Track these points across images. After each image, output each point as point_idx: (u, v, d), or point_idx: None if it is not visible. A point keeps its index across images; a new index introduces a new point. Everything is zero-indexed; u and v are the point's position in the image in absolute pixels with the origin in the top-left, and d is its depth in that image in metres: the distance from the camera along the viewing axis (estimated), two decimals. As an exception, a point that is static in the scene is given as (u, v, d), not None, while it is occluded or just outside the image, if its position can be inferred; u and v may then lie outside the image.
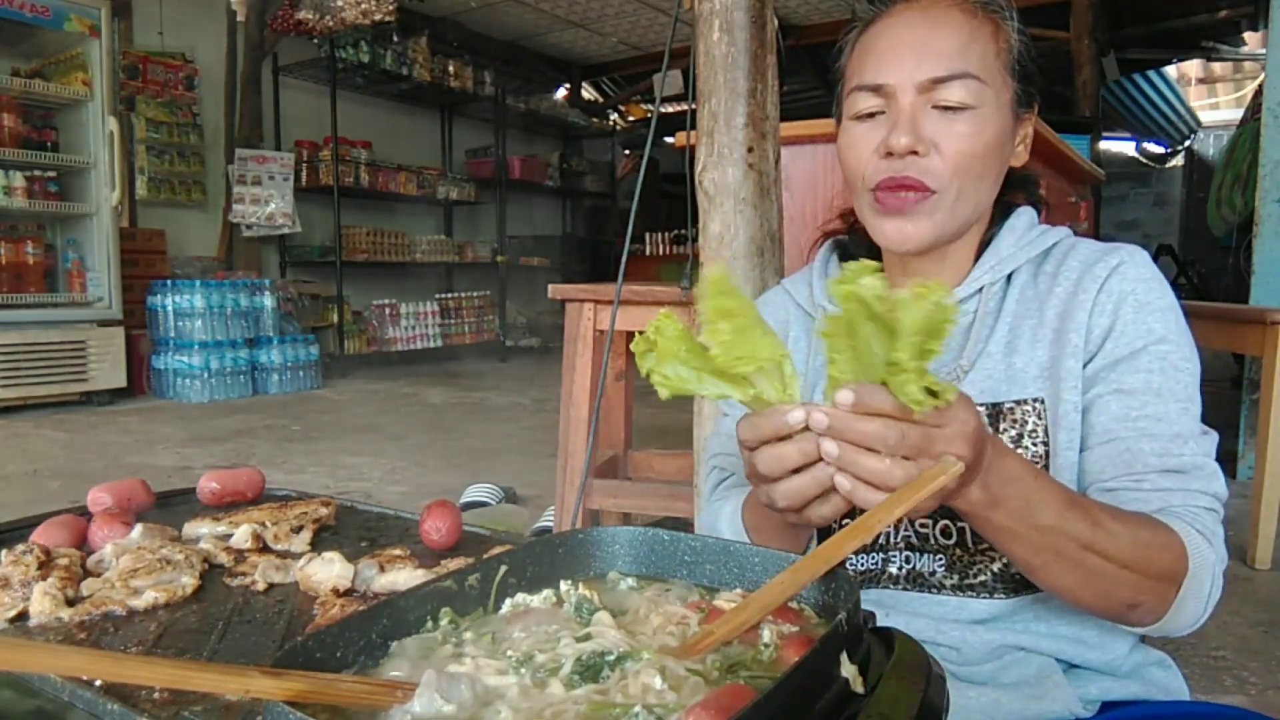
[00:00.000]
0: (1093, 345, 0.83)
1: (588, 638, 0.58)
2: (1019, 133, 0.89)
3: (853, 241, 1.01)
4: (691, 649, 0.57)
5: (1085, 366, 0.83)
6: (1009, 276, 0.90)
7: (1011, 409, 0.84)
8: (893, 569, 0.88)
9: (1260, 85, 3.93)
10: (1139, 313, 0.82)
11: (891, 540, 0.88)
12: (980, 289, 0.89)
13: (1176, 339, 0.81)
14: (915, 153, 0.81)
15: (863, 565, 0.89)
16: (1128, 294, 0.82)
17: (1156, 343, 0.81)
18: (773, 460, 0.64)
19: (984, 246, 0.92)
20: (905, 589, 0.87)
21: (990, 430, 0.69)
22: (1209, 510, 0.78)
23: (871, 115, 0.85)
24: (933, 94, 0.82)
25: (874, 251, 0.98)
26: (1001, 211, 0.93)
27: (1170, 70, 9.61)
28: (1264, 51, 4.29)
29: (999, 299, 0.89)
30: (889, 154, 0.82)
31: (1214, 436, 0.81)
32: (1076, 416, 0.82)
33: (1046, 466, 0.82)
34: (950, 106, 0.82)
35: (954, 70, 0.81)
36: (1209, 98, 10.98)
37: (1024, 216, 0.92)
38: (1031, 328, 0.86)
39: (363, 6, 6.37)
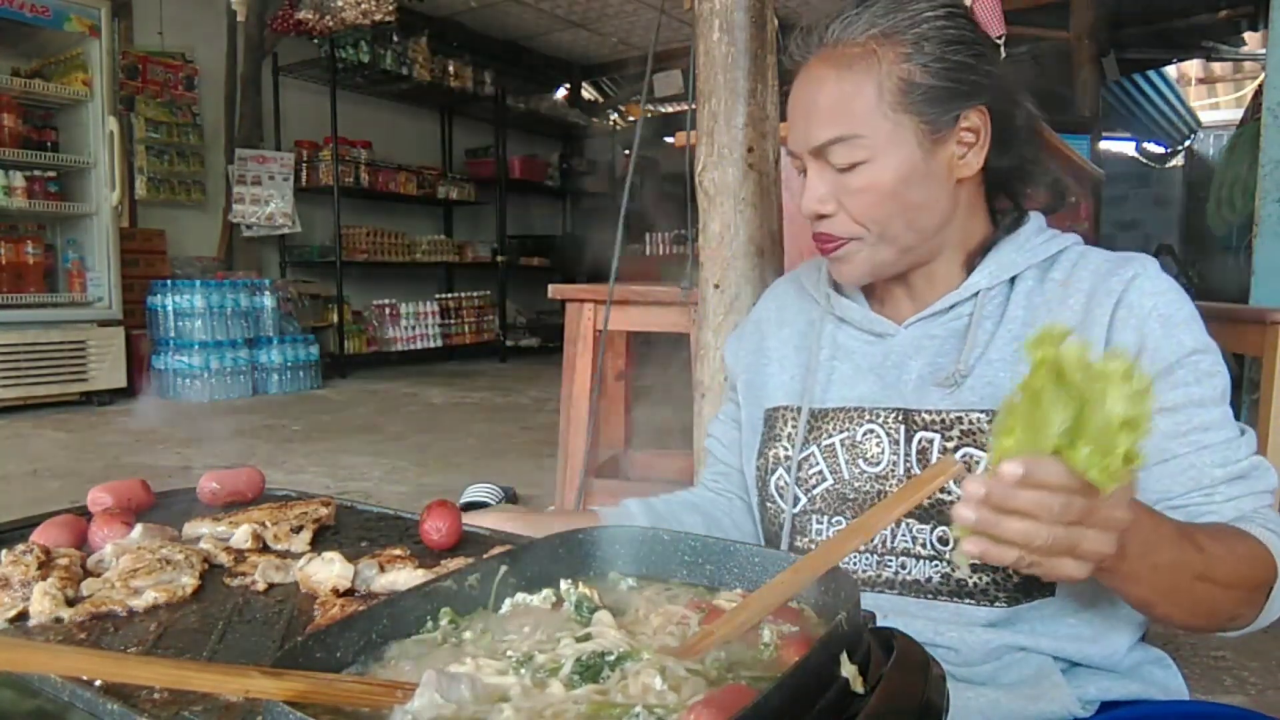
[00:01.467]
0: None
1: (588, 638, 0.58)
2: (947, 150, 0.86)
3: None
4: (691, 649, 0.57)
5: None
6: (1012, 281, 0.89)
7: None
8: (888, 574, 0.87)
9: (1260, 85, 3.92)
10: (1166, 328, 0.82)
11: (886, 545, 0.87)
12: (976, 293, 0.89)
13: (1205, 348, 0.82)
14: (821, 214, 0.87)
15: (857, 569, 0.89)
16: (1150, 310, 0.82)
17: (1188, 355, 0.81)
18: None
19: (982, 252, 0.91)
20: (901, 595, 0.87)
21: None
22: (1271, 507, 0.80)
23: (804, 171, 0.90)
24: (823, 157, 0.86)
25: None
26: (1014, 218, 0.92)
27: (1170, 70, 9.61)
28: (1264, 51, 4.29)
29: (1000, 304, 0.88)
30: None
31: (1252, 433, 0.83)
32: None
33: None
34: (842, 167, 0.85)
35: (829, 136, 0.85)
36: (1209, 98, 10.98)
37: (1031, 222, 0.92)
38: None
39: (363, 6, 6.36)
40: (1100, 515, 0.59)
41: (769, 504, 0.97)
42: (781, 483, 0.95)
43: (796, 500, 0.93)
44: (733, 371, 1.08)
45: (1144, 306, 0.82)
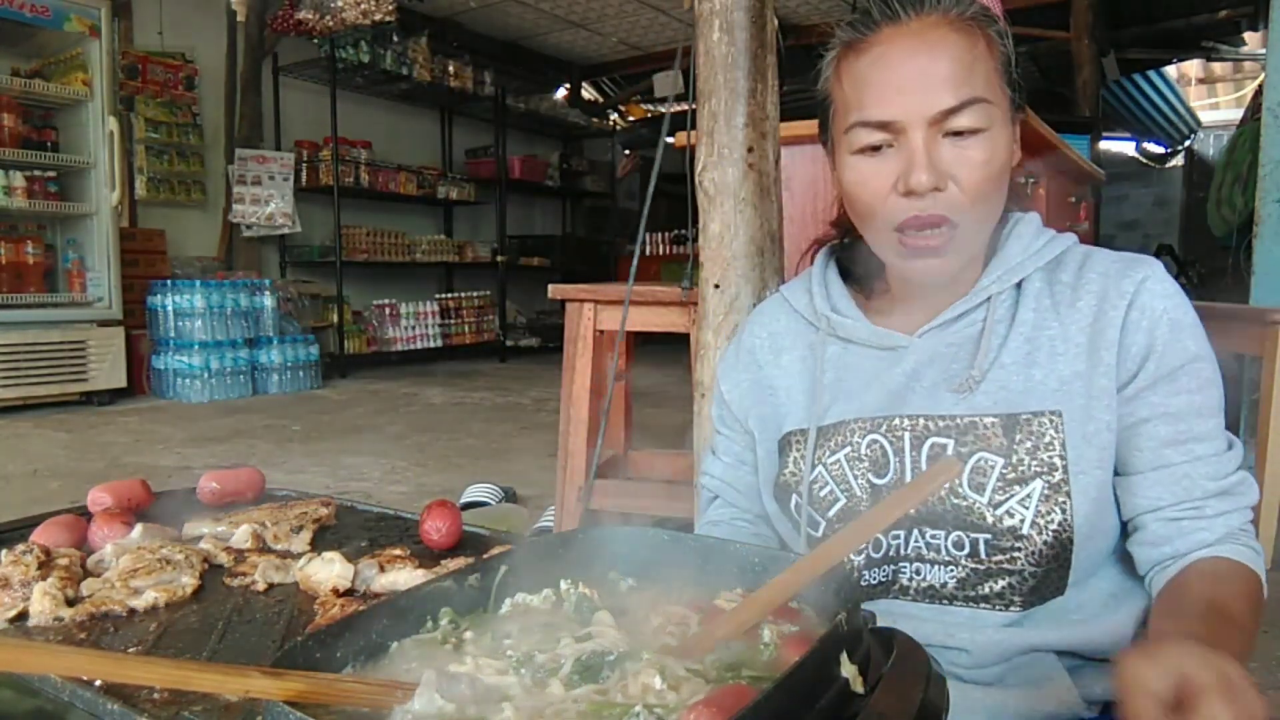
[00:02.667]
0: (1130, 364, 0.82)
1: (588, 637, 0.58)
2: (1014, 136, 0.88)
3: (848, 252, 1.00)
4: (692, 649, 0.57)
5: (1124, 388, 0.83)
6: (1019, 285, 0.88)
7: (1028, 420, 0.82)
8: (903, 580, 0.87)
9: (1260, 85, 3.93)
10: (1174, 332, 0.82)
11: (902, 552, 0.87)
12: (988, 299, 0.88)
13: (1206, 355, 0.83)
14: (936, 188, 0.80)
15: (874, 578, 0.88)
16: (1161, 313, 0.82)
17: (1192, 361, 0.82)
18: None
19: (988, 255, 0.91)
20: (915, 600, 0.86)
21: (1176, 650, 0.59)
22: (1252, 528, 0.82)
23: (877, 149, 0.83)
24: (944, 124, 0.80)
25: (870, 264, 0.97)
26: (999, 220, 0.92)
27: (1170, 70, 9.61)
28: (1264, 51, 4.29)
29: (1010, 307, 0.88)
30: (909, 192, 0.81)
31: (1240, 445, 0.83)
32: (1109, 436, 0.82)
33: (1064, 480, 0.81)
34: (961, 133, 0.80)
35: (963, 98, 0.79)
36: (1209, 98, 10.99)
37: (1030, 224, 0.91)
38: (1051, 339, 0.85)
39: (363, 6, 6.36)
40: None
41: (793, 530, 0.96)
42: (797, 509, 0.93)
43: (815, 524, 0.91)
44: (740, 407, 1.02)
45: (1155, 309, 0.82)
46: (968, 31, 0.82)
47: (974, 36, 0.82)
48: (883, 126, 0.82)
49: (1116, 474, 0.84)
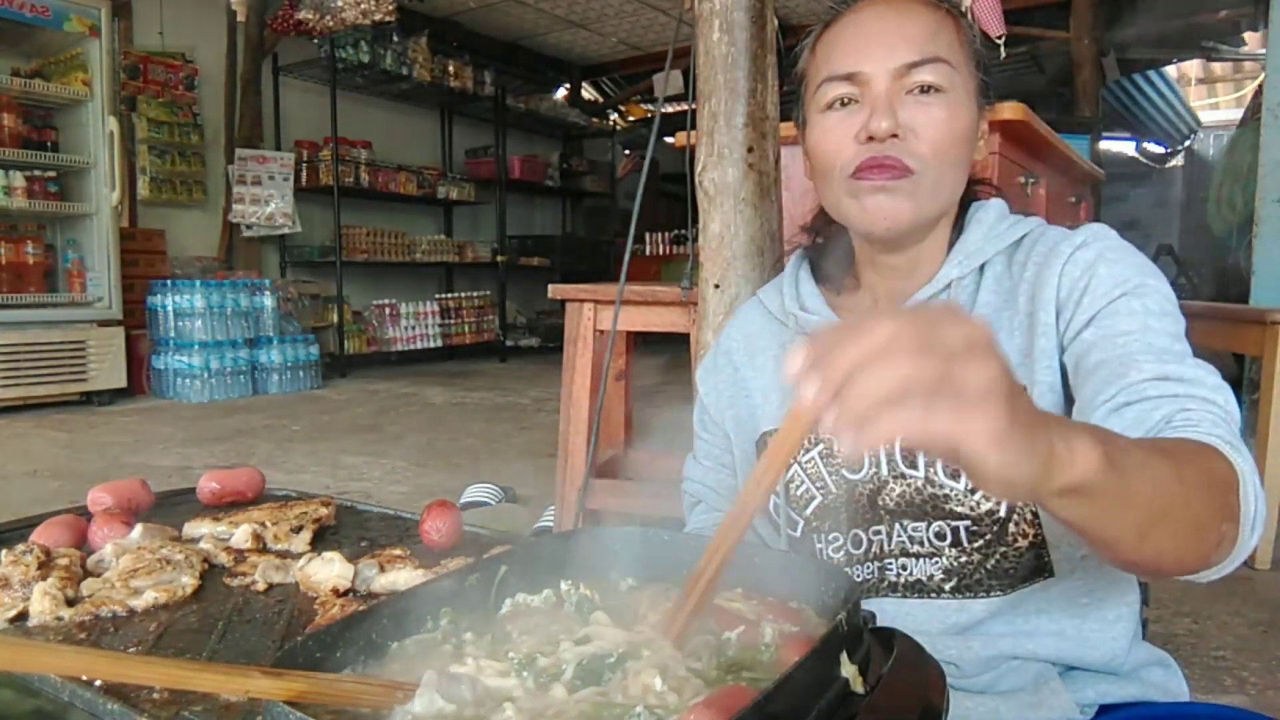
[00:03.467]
0: (1067, 311, 0.80)
1: (586, 639, 0.58)
2: (980, 126, 0.90)
3: (819, 253, 1.01)
4: (672, 624, 0.58)
5: (1063, 332, 0.81)
6: (981, 268, 0.89)
7: None
8: (890, 577, 0.87)
9: (1260, 85, 3.93)
10: (1112, 266, 0.80)
11: (886, 548, 0.87)
12: (949, 284, 0.88)
13: (1156, 284, 0.79)
14: (895, 136, 0.82)
15: (860, 575, 0.88)
16: (1096, 258, 0.81)
17: (1136, 287, 0.78)
18: None
19: (950, 242, 0.92)
20: (905, 596, 0.86)
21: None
22: (1224, 421, 0.68)
23: (844, 104, 0.86)
24: (906, 79, 0.83)
25: (841, 262, 0.98)
26: (966, 208, 0.93)
27: (1170, 70, 9.61)
28: (1264, 51, 4.29)
29: (971, 292, 0.88)
30: (869, 139, 0.83)
31: (1215, 370, 0.73)
32: (1052, 397, 0.81)
33: None
34: (924, 89, 0.83)
35: (926, 54, 0.83)
36: (1209, 98, 10.99)
37: (992, 209, 0.92)
38: (1009, 318, 0.86)
39: (363, 6, 6.36)
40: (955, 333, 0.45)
41: (773, 531, 0.97)
42: (775, 509, 0.94)
43: (794, 523, 0.92)
44: (716, 409, 1.03)
45: (1088, 258, 0.81)
46: (936, 8, 0.86)
47: (941, 14, 0.86)
48: (848, 78, 0.85)
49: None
